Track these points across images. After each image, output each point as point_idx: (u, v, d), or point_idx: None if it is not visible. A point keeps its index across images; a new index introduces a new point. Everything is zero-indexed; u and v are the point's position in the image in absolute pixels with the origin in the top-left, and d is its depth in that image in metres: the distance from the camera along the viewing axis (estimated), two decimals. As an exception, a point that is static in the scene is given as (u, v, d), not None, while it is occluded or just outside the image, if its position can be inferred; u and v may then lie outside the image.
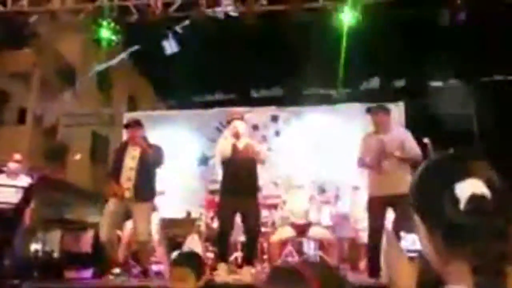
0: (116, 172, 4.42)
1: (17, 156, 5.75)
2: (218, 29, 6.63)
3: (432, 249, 0.75)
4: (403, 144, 4.29)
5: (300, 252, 5.75)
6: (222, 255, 4.42)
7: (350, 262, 6.17)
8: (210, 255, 5.71)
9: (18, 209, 5.33)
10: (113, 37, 6.55)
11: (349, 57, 7.57)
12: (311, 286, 0.87)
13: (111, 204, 4.38)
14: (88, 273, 5.12)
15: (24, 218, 5.34)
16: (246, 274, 4.27)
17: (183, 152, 8.23)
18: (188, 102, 10.31)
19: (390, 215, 4.29)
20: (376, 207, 4.22)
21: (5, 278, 4.60)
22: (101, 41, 6.64)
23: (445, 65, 8.95)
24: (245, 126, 4.68)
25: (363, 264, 5.70)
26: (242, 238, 5.22)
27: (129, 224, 4.86)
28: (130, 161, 4.41)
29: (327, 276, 0.91)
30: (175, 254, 5.86)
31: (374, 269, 4.16)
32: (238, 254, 5.75)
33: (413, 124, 7.66)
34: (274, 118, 8.17)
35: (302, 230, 5.13)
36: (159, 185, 4.79)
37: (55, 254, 8.76)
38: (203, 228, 6.09)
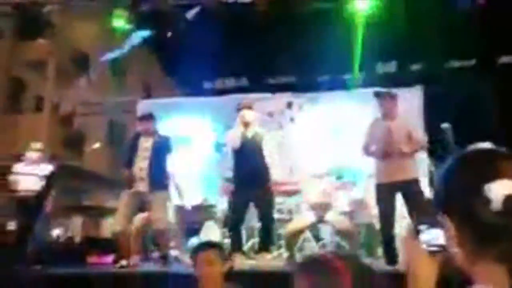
0: (129, 163, 4.52)
1: (38, 145, 5.85)
2: (232, 16, 6.59)
3: (459, 248, 0.75)
4: (410, 133, 4.26)
5: (317, 238, 5.78)
6: (237, 244, 4.47)
7: (367, 248, 6.18)
8: (227, 241, 5.77)
9: (40, 196, 5.45)
10: (127, 26, 6.56)
11: (364, 41, 7.46)
12: (343, 277, 0.88)
13: (126, 196, 4.48)
14: (109, 258, 5.23)
15: (45, 205, 5.46)
16: (261, 260, 4.33)
17: (198, 139, 8.27)
18: (203, 89, 10.30)
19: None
20: (384, 193, 4.24)
21: (28, 264, 4.74)
22: (115, 30, 6.65)
23: (463, 47, 8.76)
24: (253, 115, 4.69)
25: (380, 250, 5.71)
26: (258, 224, 5.26)
27: (141, 215, 4.95)
28: (143, 152, 4.53)
29: (357, 268, 0.92)
30: (194, 240, 5.96)
31: (390, 256, 4.19)
32: (255, 240, 5.80)
33: (431, 108, 7.55)
34: (289, 105, 8.12)
35: (319, 215, 5.16)
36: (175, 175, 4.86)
37: (77, 239, 8.96)
38: (219, 214, 6.15)
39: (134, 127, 5.89)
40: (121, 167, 4.87)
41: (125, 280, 4.03)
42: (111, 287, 3.99)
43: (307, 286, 0.90)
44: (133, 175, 4.47)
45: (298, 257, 5.26)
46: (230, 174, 5.84)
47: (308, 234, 5.54)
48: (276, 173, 5.01)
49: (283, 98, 8.27)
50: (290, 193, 6.56)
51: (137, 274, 4.38)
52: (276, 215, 6.02)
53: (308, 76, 8.42)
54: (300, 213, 5.52)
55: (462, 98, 10.16)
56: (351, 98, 7.98)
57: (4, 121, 12.36)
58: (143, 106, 8.65)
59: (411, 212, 4.15)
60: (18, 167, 5.66)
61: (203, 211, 6.39)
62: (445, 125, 4.91)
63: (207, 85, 10.70)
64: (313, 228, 5.61)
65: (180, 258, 5.41)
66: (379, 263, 4.84)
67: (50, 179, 5.57)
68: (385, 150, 4.24)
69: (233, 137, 4.56)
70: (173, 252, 5.70)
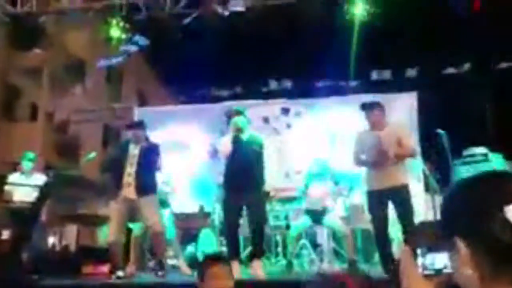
0: (118, 170, 4.53)
1: (32, 155, 5.82)
2: (228, 24, 6.61)
3: (474, 271, 0.74)
4: (400, 140, 4.30)
5: (314, 243, 5.77)
6: (234, 251, 4.42)
7: (364, 253, 6.17)
8: (225, 249, 5.74)
9: (35, 207, 5.40)
10: (123, 36, 6.55)
11: (360, 47, 7.50)
12: None
13: (116, 205, 4.47)
14: (104, 268, 5.18)
15: (40, 215, 5.42)
16: (258, 269, 4.29)
17: (194, 147, 8.26)
18: (198, 96, 10.31)
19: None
20: (375, 200, 4.31)
21: (23, 274, 4.68)
22: (110, 39, 6.65)
23: (458, 53, 8.83)
24: (244, 119, 4.67)
25: (377, 255, 5.70)
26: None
27: (138, 225, 4.94)
28: (132, 158, 4.56)
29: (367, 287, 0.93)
30: (191, 248, 5.93)
31: (386, 262, 4.20)
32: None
33: (426, 114, 7.58)
34: (285, 111, 8.14)
35: (317, 217, 5.12)
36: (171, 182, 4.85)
37: (72, 248, 8.86)
38: (216, 222, 6.13)
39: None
40: (108, 172, 4.92)
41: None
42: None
43: None
44: (121, 180, 4.49)
45: (296, 264, 5.25)
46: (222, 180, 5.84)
47: (305, 241, 5.53)
48: (274, 179, 5.00)
49: (278, 104, 8.29)
50: (286, 199, 6.56)
51: (135, 285, 4.34)
52: (272, 222, 6.01)
53: (304, 82, 8.44)
54: (298, 218, 5.50)
55: (457, 103, 10.22)
56: (347, 104, 8.01)
57: (-2, 130, 12.29)
58: (138, 113, 8.65)
59: (400, 220, 4.24)
60: (12, 177, 5.62)
61: (200, 219, 6.37)
62: (440, 131, 4.93)
63: (202, 92, 10.72)
64: (309, 234, 5.61)
65: (178, 266, 5.38)
66: (376, 268, 4.85)
67: (44, 189, 5.53)
68: (376, 159, 4.30)
69: (225, 144, 4.55)
70: (170, 261, 5.66)
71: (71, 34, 12.17)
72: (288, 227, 5.76)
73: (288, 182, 7.18)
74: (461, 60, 7.96)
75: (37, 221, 5.41)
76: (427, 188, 6.41)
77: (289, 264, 5.00)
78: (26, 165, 5.72)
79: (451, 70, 7.41)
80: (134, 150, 4.65)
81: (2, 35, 11.66)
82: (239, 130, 4.50)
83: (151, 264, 5.48)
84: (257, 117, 7.66)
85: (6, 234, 5.64)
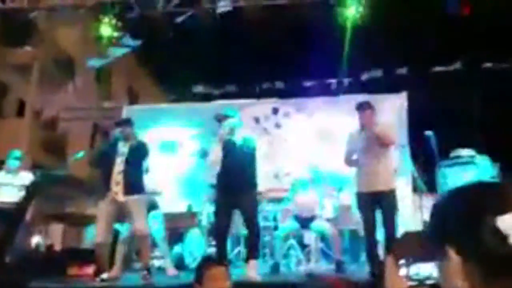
0: (107, 168, 4.48)
1: (18, 153, 5.73)
2: (220, 23, 6.58)
3: (465, 281, 0.73)
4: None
5: (302, 244, 5.76)
6: (222, 253, 4.41)
7: (351, 254, 6.18)
8: (213, 249, 5.71)
9: (20, 207, 5.32)
10: (114, 34, 6.48)
11: (350, 47, 7.50)
12: None
13: (103, 206, 4.40)
14: (90, 269, 5.11)
15: (25, 216, 5.34)
16: (252, 270, 4.29)
17: (184, 146, 8.21)
18: (189, 95, 10.25)
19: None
20: (364, 202, 4.40)
21: (7, 275, 4.61)
22: (102, 37, 6.57)
23: (448, 51, 8.87)
24: (236, 121, 4.65)
25: (364, 256, 5.72)
26: (244, 232, 5.21)
27: (126, 226, 4.88)
28: (121, 156, 4.50)
29: None
30: (178, 248, 5.88)
31: (373, 263, 4.23)
32: (240, 249, 5.75)
33: (415, 114, 7.60)
34: (275, 111, 8.12)
35: (305, 223, 5.18)
36: (158, 182, 4.81)
37: (57, 248, 8.79)
38: (204, 222, 6.09)
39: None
40: (97, 168, 4.86)
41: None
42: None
43: None
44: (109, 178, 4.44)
45: (283, 264, 5.23)
46: (215, 181, 5.80)
47: (292, 241, 5.52)
48: (263, 179, 4.98)
49: (269, 103, 8.27)
50: (275, 200, 6.54)
51: (119, 288, 4.29)
52: (261, 223, 5.98)
53: (294, 82, 8.43)
54: (286, 220, 5.50)
55: (446, 103, 10.27)
56: (337, 104, 8.01)
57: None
58: (128, 112, 8.57)
59: (384, 225, 4.32)
60: (-3, 176, 5.53)
61: (187, 218, 6.32)
62: (428, 132, 4.95)
63: (193, 91, 10.65)
64: (297, 235, 5.60)
65: (164, 267, 5.33)
66: (363, 269, 4.86)
67: (31, 188, 5.45)
68: (366, 160, 4.38)
69: (216, 153, 4.51)
70: (157, 262, 5.61)
71: (62, 31, 12.04)
72: (276, 228, 5.75)
73: (277, 183, 7.16)
74: (451, 58, 8.00)
75: (22, 222, 5.33)
76: (415, 189, 6.44)
77: (276, 265, 4.99)
78: (12, 163, 5.62)
79: (440, 68, 7.44)
80: (123, 148, 4.60)
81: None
82: (231, 133, 4.51)
83: (137, 266, 5.42)
84: (248, 117, 7.63)
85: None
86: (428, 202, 5.90)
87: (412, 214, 6.11)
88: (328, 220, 5.49)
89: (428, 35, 8.95)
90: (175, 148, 8.21)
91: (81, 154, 6.02)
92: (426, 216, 5.65)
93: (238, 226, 5.45)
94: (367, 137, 4.41)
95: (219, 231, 4.52)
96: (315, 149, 7.40)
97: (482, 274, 0.71)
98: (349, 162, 4.61)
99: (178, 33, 7.05)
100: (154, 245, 5.21)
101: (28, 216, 5.38)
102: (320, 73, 9.48)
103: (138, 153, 4.61)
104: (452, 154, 5.06)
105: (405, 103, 7.71)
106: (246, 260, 4.47)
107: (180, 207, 6.86)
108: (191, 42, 9.54)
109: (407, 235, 1.04)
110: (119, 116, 8.83)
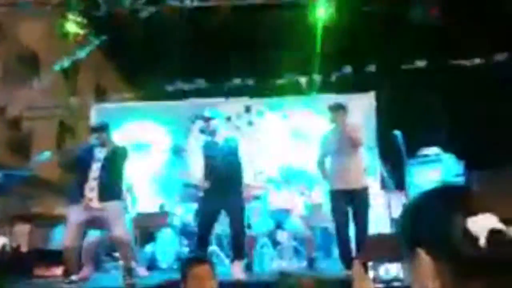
0: (81, 174, 4.34)
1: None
2: (190, 19, 6.53)
3: (436, 282, 0.74)
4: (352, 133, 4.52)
5: (274, 242, 5.81)
6: (202, 253, 4.40)
7: (323, 250, 6.28)
8: (185, 249, 5.67)
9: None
10: (80, 31, 6.34)
11: (321, 46, 7.61)
12: None
13: (75, 212, 4.25)
14: (58, 270, 4.97)
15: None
16: (238, 270, 4.33)
17: (155, 144, 8.11)
18: (160, 92, 10.10)
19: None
20: (337, 200, 4.51)
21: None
22: (67, 35, 6.42)
23: (417, 49, 9.09)
24: (219, 123, 4.68)
25: (336, 251, 5.83)
26: (227, 232, 5.16)
27: (95, 233, 4.76)
28: (97, 162, 4.37)
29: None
30: (149, 248, 5.81)
31: (346, 260, 4.32)
32: (213, 247, 5.74)
33: (383, 113, 7.79)
34: (247, 109, 8.14)
35: (278, 221, 5.24)
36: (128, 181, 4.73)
37: (23, 249, 8.51)
38: (176, 221, 6.03)
39: (85, 132, 5.67)
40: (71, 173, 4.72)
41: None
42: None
43: None
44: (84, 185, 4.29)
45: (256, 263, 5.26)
46: (189, 179, 5.76)
47: (265, 239, 5.56)
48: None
49: (240, 101, 8.28)
50: (247, 198, 6.55)
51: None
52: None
53: (266, 80, 8.46)
54: (261, 218, 5.53)
55: (414, 101, 10.56)
56: (308, 102, 8.11)
57: None
58: (97, 110, 8.39)
59: (355, 222, 4.44)
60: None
61: (159, 218, 6.25)
62: (396, 132, 5.10)
63: (164, 88, 10.49)
64: (271, 232, 5.65)
65: (133, 268, 5.24)
66: (335, 265, 4.95)
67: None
68: (339, 159, 4.52)
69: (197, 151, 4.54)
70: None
71: (26, 28, 11.64)
72: (249, 226, 5.77)
73: (250, 181, 7.17)
74: (418, 57, 8.22)
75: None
76: (383, 186, 6.62)
77: (249, 263, 5.01)
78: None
79: (408, 66, 7.65)
80: (99, 154, 4.45)
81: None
82: (213, 134, 4.55)
83: (109, 266, 5.32)
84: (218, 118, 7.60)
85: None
86: (396, 199, 6.09)
87: (382, 212, 6.28)
88: (300, 218, 5.55)
89: (396, 34, 9.16)
90: (147, 147, 8.10)
91: (47, 154, 5.85)
92: (394, 214, 5.82)
93: (219, 226, 5.41)
94: (339, 137, 4.51)
95: (203, 232, 4.53)
96: (288, 147, 7.47)
97: (452, 275, 0.72)
98: (320, 165, 4.74)
99: (146, 30, 6.96)
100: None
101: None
102: (291, 72, 9.55)
103: (116, 157, 4.46)
104: (419, 153, 5.23)
105: (373, 103, 7.89)
106: (232, 260, 4.51)
107: (151, 206, 6.78)
108: (159, 39, 9.42)
109: (375, 236, 1.07)
110: (86, 114, 8.63)
